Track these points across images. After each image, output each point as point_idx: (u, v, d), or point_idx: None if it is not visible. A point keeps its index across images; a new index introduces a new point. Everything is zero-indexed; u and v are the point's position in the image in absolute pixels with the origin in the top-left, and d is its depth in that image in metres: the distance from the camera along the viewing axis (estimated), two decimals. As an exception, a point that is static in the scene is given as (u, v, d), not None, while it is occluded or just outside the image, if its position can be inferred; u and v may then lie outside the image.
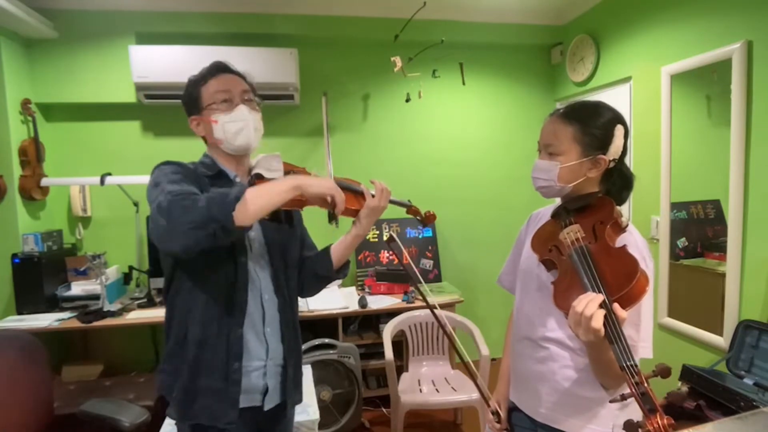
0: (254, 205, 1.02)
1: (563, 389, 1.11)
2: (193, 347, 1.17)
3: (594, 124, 1.08)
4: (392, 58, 2.96)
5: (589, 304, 0.86)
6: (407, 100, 3.22)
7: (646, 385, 0.78)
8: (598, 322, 0.84)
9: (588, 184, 1.12)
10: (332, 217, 1.21)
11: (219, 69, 1.24)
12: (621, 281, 0.90)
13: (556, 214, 1.16)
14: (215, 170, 1.24)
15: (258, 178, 1.24)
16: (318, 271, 1.38)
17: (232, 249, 1.18)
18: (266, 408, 1.25)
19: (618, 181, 1.14)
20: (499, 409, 1.30)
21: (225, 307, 1.17)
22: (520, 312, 1.24)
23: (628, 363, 0.81)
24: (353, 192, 1.32)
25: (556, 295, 0.99)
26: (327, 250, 1.38)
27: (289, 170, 1.31)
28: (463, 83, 3.20)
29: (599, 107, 1.12)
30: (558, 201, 1.22)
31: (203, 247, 1.00)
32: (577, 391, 1.10)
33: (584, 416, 1.10)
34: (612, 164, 1.10)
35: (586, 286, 0.91)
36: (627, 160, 1.17)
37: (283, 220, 1.33)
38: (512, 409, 1.28)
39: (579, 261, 0.97)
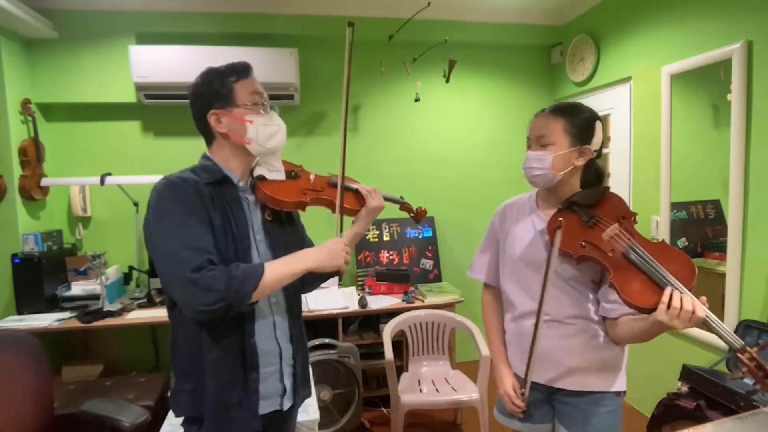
0: (272, 284, 1.11)
1: (589, 356, 1.25)
2: (210, 365, 1.15)
3: (579, 118, 1.24)
4: (382, 60, 2.99)
5: (685, 299, 1.00)
6: (416, 100, 3.25)
7: (756, 356, 0.96)
8: (701, 311, 1.00)
9: (573, 173, 1.26)
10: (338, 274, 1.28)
11: (249, 69, 1.26)
12: (688, 275, 1.04)
13: (566, 210, 1.24)
14: (219, 176, 1.21)
15: (260, 180, 1.27)
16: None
17: (237, 260, 1.15)
18: (284, 409, 1.26)
19: (594, 174, 1.29)
20: (517, 391, 1.34)
21: (235, 319, 1.15)
22: (524, 295, 1.34)
23: (738, 345, 0.99)
24: (354, 192, 1.38)
25: (628, 293, 1.06)
26: None
27: (291, 170, 1.35)
28: (447, 81, 3.27)
29: (580, 105, 1.28)
30: (533, 192, 1.41)
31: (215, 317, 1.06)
32: (601, 354, 1.25)
33: (606, 373, 1.26)
34: (594, 155, 1.25)
35: (663, 283, 1.03)
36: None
37: (285, 220, 1.34)
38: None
39: (640, 260, 1.07)
